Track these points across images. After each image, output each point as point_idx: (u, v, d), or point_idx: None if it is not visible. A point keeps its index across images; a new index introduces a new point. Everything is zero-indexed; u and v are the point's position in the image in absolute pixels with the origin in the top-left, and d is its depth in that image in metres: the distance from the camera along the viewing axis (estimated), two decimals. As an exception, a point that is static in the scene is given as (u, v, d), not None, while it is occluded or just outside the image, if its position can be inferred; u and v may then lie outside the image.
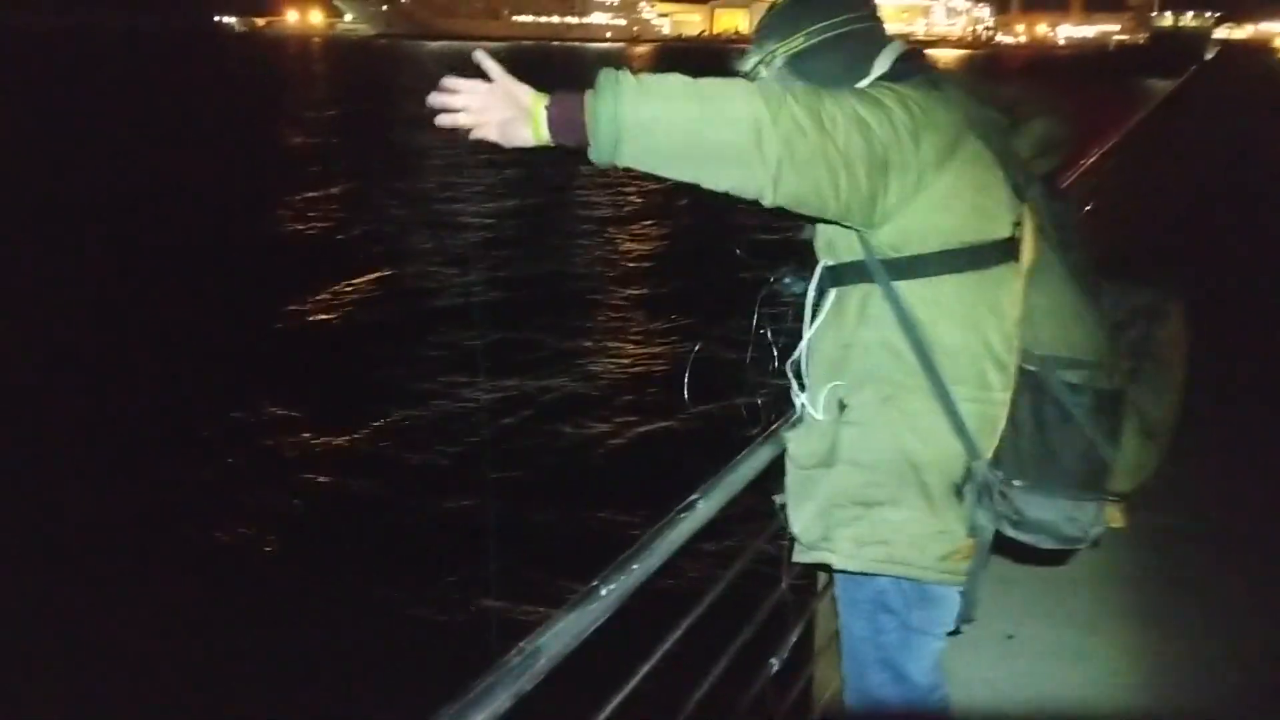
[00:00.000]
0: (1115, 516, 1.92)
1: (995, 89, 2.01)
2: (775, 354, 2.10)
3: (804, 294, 2.05)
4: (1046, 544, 1.91)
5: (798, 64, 1.96)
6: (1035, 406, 1.85)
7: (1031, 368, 1.86)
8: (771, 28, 1.99)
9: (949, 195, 1.82)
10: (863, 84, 1.92)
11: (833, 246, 1.96)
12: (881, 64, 1.95)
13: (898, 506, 1.91)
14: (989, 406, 1.88)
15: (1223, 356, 6.12)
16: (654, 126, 1.67)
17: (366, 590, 6.59)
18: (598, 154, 1.70)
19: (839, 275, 1.97)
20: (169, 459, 8.60)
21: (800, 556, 2.04)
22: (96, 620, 6.20)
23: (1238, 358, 6.15)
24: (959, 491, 1.90)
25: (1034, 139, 1.96)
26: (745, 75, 2.00)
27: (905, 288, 1.87)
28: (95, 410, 9.63)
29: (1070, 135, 2.04)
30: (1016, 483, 1.85)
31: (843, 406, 1.94)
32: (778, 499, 2.10)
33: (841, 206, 1.77)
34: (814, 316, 2.03)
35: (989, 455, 1.87)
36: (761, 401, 2.17)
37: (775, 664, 2.31)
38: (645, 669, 1.71)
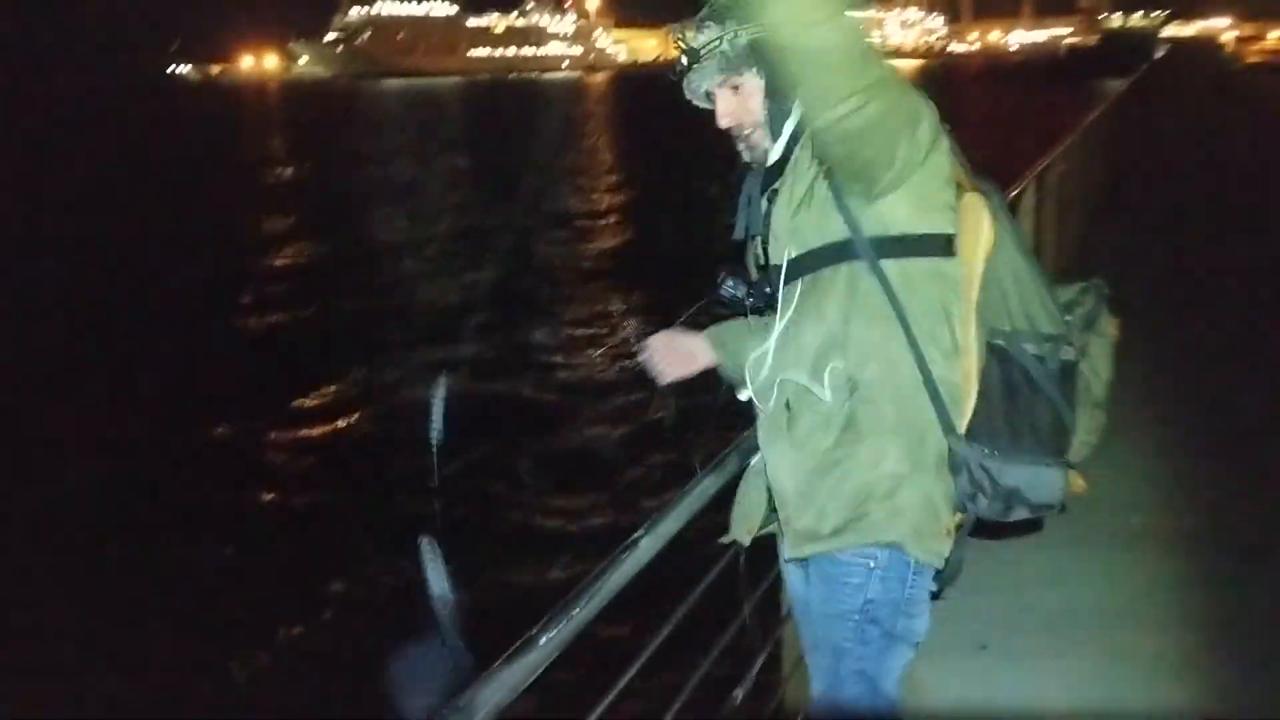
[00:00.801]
0: (1078, 483, 2.01)
1: None
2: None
3: (745, 297, 2.08)
4: (1020, 513, 1.97)
5: (763, 50, 1.95)
6: (1005, 378, 1.95)
7: (999, 342, 1.96)
8: (732, 9, 1.98)
9: (928, 182, 1.92)
10: None
11: (799, 236, 1.96)
12: None
13: (916, 480, 1.93)
14: (958, 385, 1.95)
15: (1193, 360, 6.18)
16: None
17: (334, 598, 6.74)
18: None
19: (812, 261, 1.96)
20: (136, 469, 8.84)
21: (815, 547, 1.98)
22: (71, 621, 6.29)
23: (1209, 362, 6.19)
24: (951, 465, 1.95)
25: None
26: (697, 50, 2.00)
27: (886, 266, 1.92)
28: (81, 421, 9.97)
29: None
30: (991, 452, 1.93)
31: (853, 385, 1.93)
32: (724, 539, 2.12)
33: (893, 173, 1.86)
34: (779, 311, 2.00)
35: (963, 430, 1.94)
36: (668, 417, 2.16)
37: (739, 694, 2.27)
38: (598, 712, 1.67)
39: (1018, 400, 1.95)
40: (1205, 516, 4.22)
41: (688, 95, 2.09)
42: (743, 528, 2.17)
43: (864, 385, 1.93)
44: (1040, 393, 1.95)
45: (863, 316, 1.93)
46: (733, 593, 2.26)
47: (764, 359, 2.01)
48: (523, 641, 1.43)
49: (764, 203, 2.07)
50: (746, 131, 2.06)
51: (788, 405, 1.99)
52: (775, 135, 2.05)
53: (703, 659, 2.13)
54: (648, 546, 1.75)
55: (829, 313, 1.94)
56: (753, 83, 2.01)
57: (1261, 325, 6.79)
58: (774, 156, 2.05)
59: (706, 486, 2.01)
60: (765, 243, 2.05)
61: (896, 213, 1.91)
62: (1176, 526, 4.17)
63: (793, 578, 2.29)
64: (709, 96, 2.07)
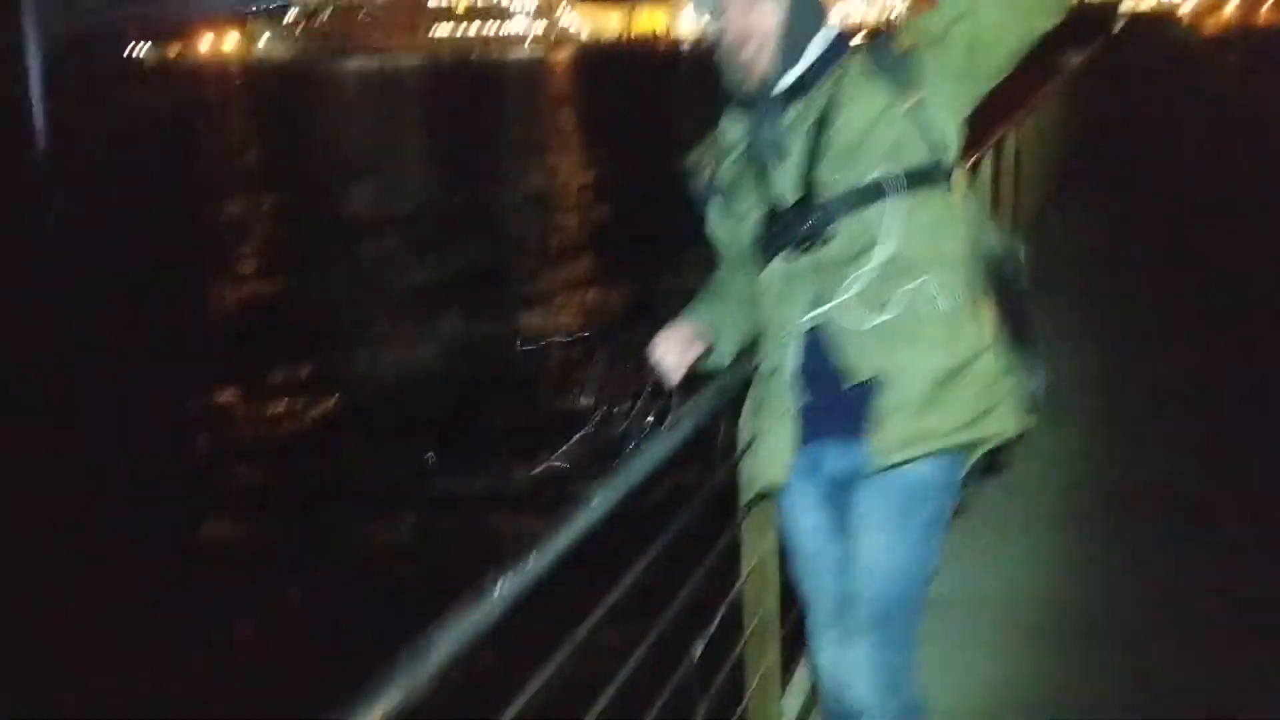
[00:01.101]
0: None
1: None
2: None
3: (796, 231, 2.04)
4: (1036, 404, 2.15)
5: None
6: (999, 290, 2.11)
7: (992, 260, 2.14)
8: None
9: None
10: (825, 33, 2.10)
11: (900, 151, 1.99)
12: (832, 24, 2.13)
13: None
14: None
15: (1127, 339, 6.26)
16: None
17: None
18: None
19: (899, 182, 2.00)
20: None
21: (936, 443, 2.02)
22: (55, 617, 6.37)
23: (1142, 341, 6.26)
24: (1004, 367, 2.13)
25: None
26: None
27: (954, 184, 2.10)
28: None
29: None
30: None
31: (970, 291, 2.05)
32: (758, 487, 2.30)
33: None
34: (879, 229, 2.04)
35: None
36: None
37: (698, 648, 2.28)
38: (553, 664, 1.69)
39: (1013, 308, 2.13)
40: (1135, 499, 4.27)
41: (694, 7, 2.08)
42: (777, 464, 2.18)
43: (967, 294, 2.04)
44: (1024, 299, 2.16)
45: (951, 232, 2.04)
46: (690, 549, 2.29)
47: (861, 276, 2.00)
48: (477, 591, 1.45)
49: (794, 128, 2.04)
50: (750, 54, 2.03)
51: (897, 311, 2.00)
52: (791, 60, 2.04)
53: (662, 614, 2.15)
54: (601, 502, 1.77)
55: (920, 230, 2.00)
56: (769, 8, 2.02)
57: (1196, 305, 6.87)
58: (791, 78, 2.05)
59: (660, 444, 2.03)
60: (809, 169, 2.02)
61: (957, 139, 2.09)
62: (1105, 507, 4.21)
63: (816, 529, 2.28)
64: (717, 12, 2.06)
